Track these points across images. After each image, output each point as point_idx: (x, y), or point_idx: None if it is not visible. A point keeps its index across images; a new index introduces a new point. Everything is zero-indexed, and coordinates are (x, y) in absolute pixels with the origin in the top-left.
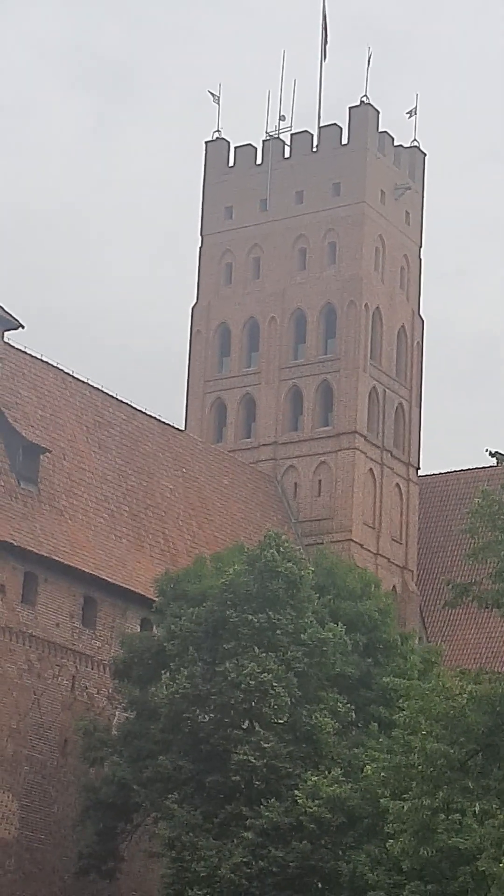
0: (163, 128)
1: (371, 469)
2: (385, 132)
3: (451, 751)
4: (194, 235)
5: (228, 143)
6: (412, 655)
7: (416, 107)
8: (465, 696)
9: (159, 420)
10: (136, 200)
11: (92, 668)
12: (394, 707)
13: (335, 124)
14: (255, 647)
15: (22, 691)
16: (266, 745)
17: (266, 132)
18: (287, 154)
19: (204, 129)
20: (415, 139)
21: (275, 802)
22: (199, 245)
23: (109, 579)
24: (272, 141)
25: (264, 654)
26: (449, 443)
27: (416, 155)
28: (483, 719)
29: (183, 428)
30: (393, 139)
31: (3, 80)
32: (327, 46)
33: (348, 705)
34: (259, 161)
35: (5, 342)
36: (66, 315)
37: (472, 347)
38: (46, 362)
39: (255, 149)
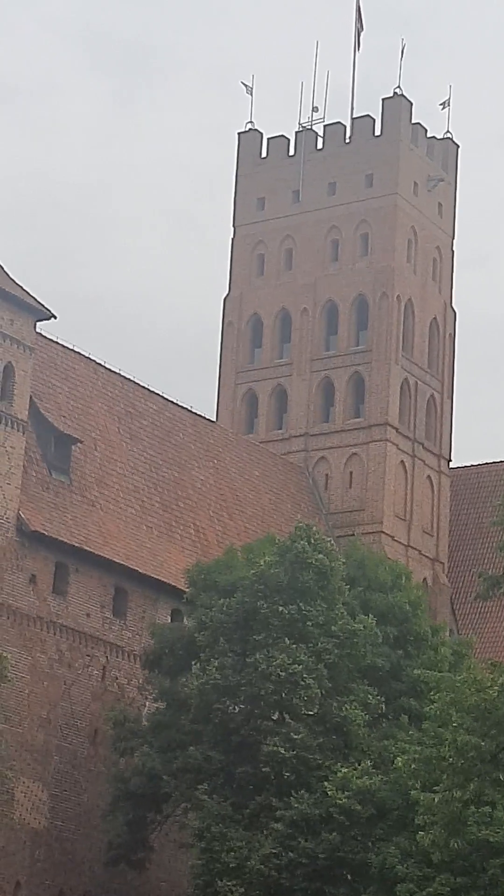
0: (187, 113)
1: (402, 461)
2: (418, 123)
3: (482, 743)
4: (225, 225)
5: (261, 134)
6: (443, 647)
7: (449, 98)
8: (496, 688)
9: (191, 411)
10: (160, 183)
11: (122, 659)
12: (424, 699)
13: (368, 116)
14: (286, 639)
15: (53, 681)
16: (296, 737)
17: (299, 123)
18: (320, 145)
19: (230, 115)
20: (448, 131)
21: (304, 794)
22: (232, 236)
23: (140, 570)
24: (305, 132)
25: (295, 646)
26: (481, 435)
27: (448, 146)
28: None
29: (214, 419)
30: (426, 130)
31: (22, 61)
32: (361, 37)
33: (379, 697)
34: (292, 152)
35: (38, 332)
36: (97, 305)
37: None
38: (78, 353)
39: (288, 140)
